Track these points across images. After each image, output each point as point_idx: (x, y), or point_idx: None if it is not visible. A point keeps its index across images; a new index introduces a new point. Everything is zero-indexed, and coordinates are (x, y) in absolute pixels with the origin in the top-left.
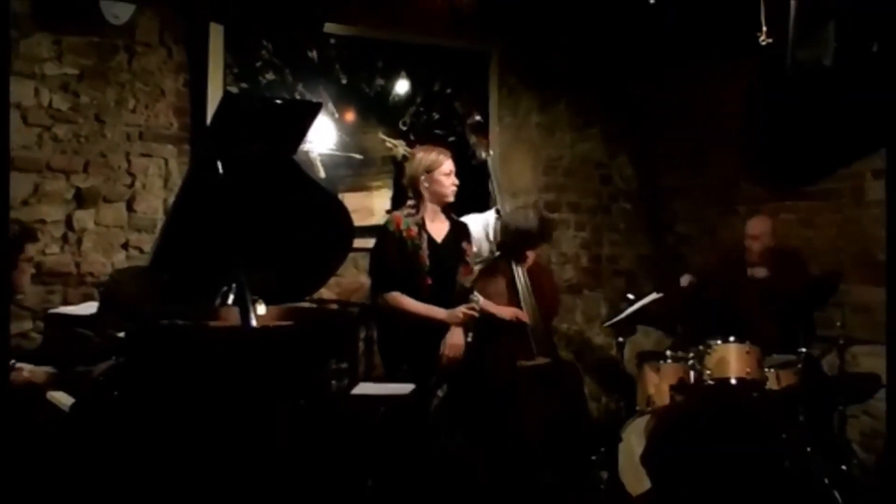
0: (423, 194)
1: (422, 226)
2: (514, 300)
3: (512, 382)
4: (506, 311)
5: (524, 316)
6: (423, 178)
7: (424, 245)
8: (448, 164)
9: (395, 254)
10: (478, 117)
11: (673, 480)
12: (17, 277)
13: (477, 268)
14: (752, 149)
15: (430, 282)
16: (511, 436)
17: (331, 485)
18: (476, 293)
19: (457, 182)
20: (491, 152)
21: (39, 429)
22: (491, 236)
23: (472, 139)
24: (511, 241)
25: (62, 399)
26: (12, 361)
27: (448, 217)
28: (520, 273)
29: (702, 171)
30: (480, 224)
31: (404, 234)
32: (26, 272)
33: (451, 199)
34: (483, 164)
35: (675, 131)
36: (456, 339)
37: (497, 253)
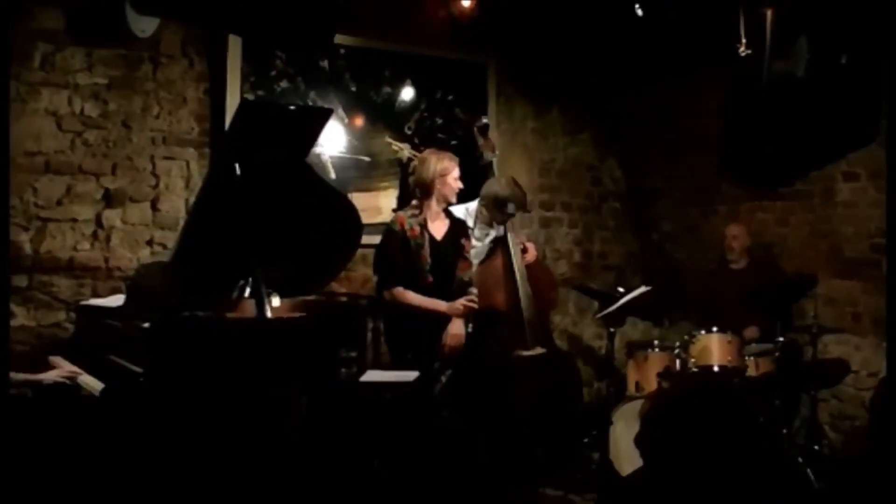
0: (433, 195)
1: (424, 225)
2: (511, 290)
3: (508, 370)
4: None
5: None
6: (437, 181)
7: (426, 244)
8: (457, 170)
9: (398, 252)
10: (485, 120)
11: (663, 460)
12: None
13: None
14: (730, 153)
15: (430, 280)
16: (506, 419)
17: (339, 465)
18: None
19: (461, 185)
20: (497, 153)
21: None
22: (470, 223)
23: (480, 141)
24: (492, 210)
25: (93, 384)
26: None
27: (448, 215)
28: (515, 255)
29: (684, 173)
30: (461, 213)
31: (408, 233)
32: None
33: (455, 200)
34: (489, 165)
35: (659, 137)
36: (457, 329)
37: (491, 239)
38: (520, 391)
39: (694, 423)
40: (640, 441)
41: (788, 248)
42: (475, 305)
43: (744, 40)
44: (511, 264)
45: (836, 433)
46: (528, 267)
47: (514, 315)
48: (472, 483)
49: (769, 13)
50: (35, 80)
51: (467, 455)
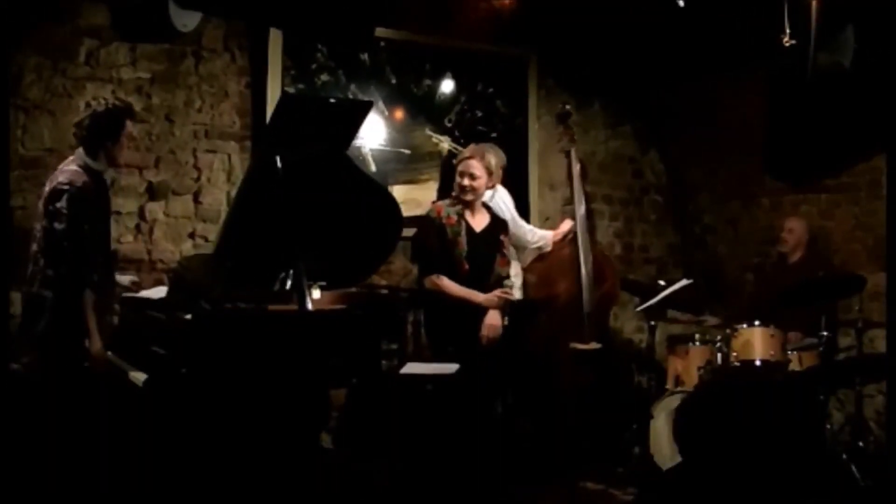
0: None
1: (461, 215)
2: (574, 281)
3: (556, 361)
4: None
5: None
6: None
7: (463, 232)
8: (470, 164)
9: (434, 239)
10: (567, 107)
11: (700, 454)
12: (117, 151)
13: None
14: (774, 147)
15: (467, 267)
16: (551, 410)
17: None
18: (512, 278)
19: (471, 182)
20: (574, 143)
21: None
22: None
23: (560, 128)
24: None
25: (136, 375)
26: None
27: (489, 211)
28: (583, 247)
29: (725, 166)
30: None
31: (444, 221)
32: (124, 147)
33: (467, 196)
34: (567, 154)
35: (701, 129)
36: (493, 320)
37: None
38: (568, 383)
39: (735, 418)
40: (676, 434)
41: (833, 241)
42: (511, 297)
43: (788, 31)
44: (578, 256)
45: (882, 430)
46: (594, 260)
47: (574, 307)
48: (512, 475)
49: (814, 2)
50: (80, 75)
51: (509, 447)
